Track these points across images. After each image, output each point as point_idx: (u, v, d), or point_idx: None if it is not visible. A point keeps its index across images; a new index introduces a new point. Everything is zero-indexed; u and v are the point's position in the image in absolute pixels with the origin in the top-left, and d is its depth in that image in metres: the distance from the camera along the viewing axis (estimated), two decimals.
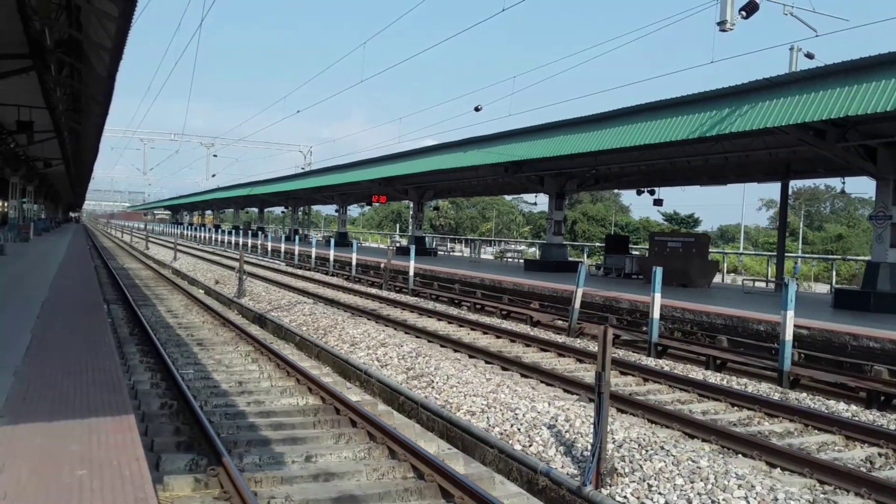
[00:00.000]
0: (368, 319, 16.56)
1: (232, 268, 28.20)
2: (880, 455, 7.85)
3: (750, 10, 14.19)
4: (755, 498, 6.05)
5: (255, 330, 15.85)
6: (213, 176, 74.07)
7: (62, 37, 13.20)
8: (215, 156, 72.15)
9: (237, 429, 8.19)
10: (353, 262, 29.99)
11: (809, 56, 18.72)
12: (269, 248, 46.91)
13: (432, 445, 8.01)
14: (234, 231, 64.23)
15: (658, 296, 13.89)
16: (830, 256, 42.35)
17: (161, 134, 71.78)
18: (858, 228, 68.00)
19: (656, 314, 13.83)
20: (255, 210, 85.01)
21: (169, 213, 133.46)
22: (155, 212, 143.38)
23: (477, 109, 25.91)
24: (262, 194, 60.61)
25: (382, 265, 26.81)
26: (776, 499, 6.02)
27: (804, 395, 10.52)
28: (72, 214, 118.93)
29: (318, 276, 30.04)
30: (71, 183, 55.77)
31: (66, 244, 36.08)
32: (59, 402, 5.98)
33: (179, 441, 7.58)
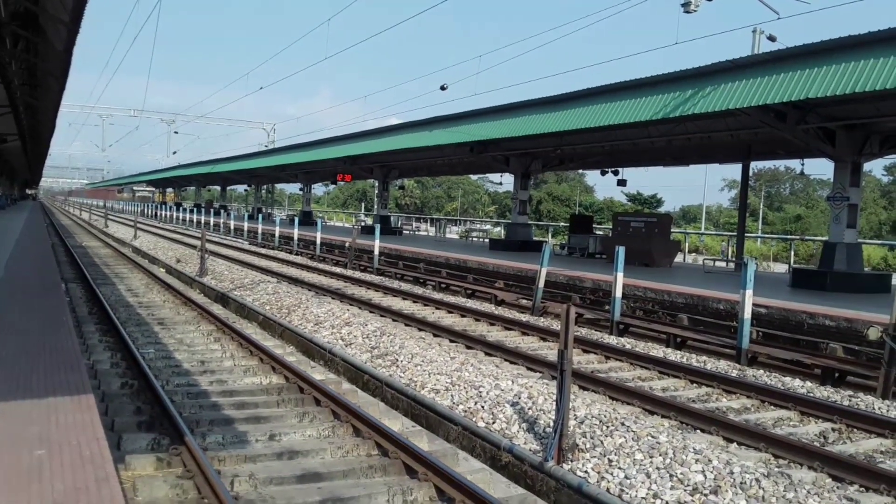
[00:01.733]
0: (333, 298, 16.51)
1: (194, 246, 27.87)
2: (833, 430, 8.06)
3: None
4: (712, 471, 6.19)
5: (217, 309, 15.72)
6: (174, 153, 72.64)
7: (17, 9, 12.85)
8: (176, 132, 70.73)
9: (200, 408, 8.14)
10: (318, 241, 29.82)
11: (772, 39, 18.96)
12: (232, 227, 46.43)
13: (396, 423, 8.04)
14: (195, 209, 63.38)
15: (620, 275, 14.04)
16: (789, 237, 43.15)
17: (120, 110, 70.25)
18: (817, 209, 69.27)
19: (618, 293, 13.99)
20: (218, 188, 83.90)
21: (153, 189, 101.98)
22: (135, 188, 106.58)
23: (443, 88, 25.77)
24: (225, 172, 59.85)
25: (347, 244, 26.69)
26: (732, 472, 6.16)
27: (761, 372, 10.75)
28: (28, 192, 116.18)
29: (281, 255, 29.83)
30: (27, 159, 54.49)
31: (23, 222, 35.32)
32: (16, 382, 5.89)
33: (141, 421, 7.52)
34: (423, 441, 7.53)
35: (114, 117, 69.65)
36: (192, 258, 24.56)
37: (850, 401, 9.14)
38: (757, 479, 6.03)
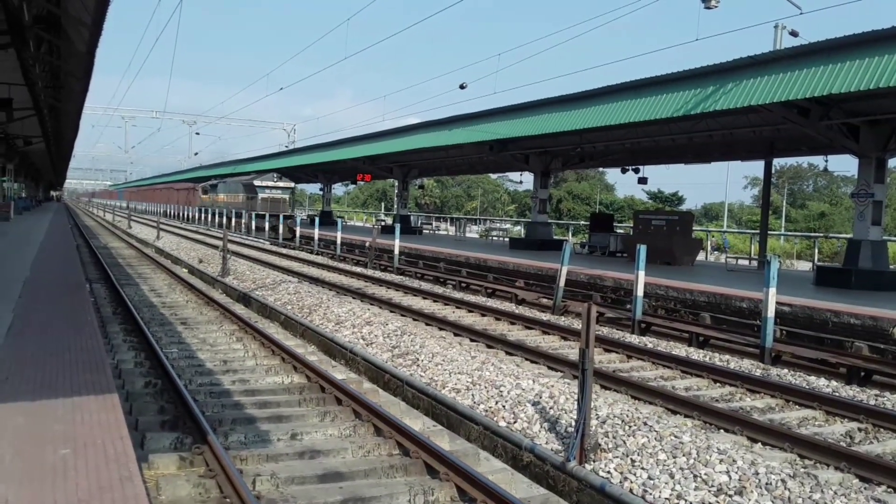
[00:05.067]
0: (353, 298, 16.55)
1: (215, 247, 28.05)
2: (860, 430, 7.96)
3: None
4: (736, 472, 6.13)
5: (239, 309, 15.81)
6: (196, 154, 72.81)
7: (40, 12, 12.99)
8: (198, 133, 71.05)
9: (222, 407, 8.18)
10: (338, 241, 29.90)
11: (794, 34, 18.74)
12: (254, 227, 46.67)
13: (417, 423, 8.04)
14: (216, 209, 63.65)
15: (642, 273, 13.95)
16: (813, 234, 42.67)
17: (142, 111, 70.89)
18: (841, 206, 68.42)
19: (640, 292, 13.90)
20: None
21: (291, 186, 47.89)
22: (258, 182, 45.96)
23: (462, 87, 25.83)
24: (246, 172, 60.15)
25: (367, 244, 26.75)
26: (757, 473, 6.09)
27: (785, 371, 10.64)
28: (53, 193, 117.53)
29: (302, 254, 29.93)
30: (52, 161, 55.18)
31: (48, 223, 35.75)
32: (41, 381, 5.95)
33: (164, 420, 7.57)
34: (444, 440, 7.52)
35: (136, 119, 70.29)
36: (214, 258, 24.71)
37: (876, 400, 9.02)
38: (783, 480, 5.97)
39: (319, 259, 27.97)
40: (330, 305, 14.89)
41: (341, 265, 25.22)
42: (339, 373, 10.29)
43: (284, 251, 31.40)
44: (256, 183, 44.13)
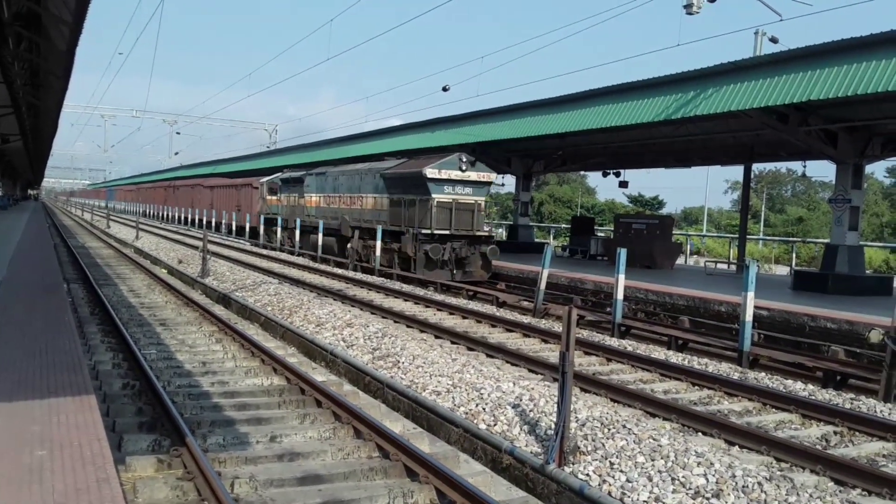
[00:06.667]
0: (334, 300, 16.50)
1: (195, 247, 27.86)
2: (835, 433, 8.04)
3: None
4: (714, 475, 6.18)
5: (219, 310, 15.71)
6: (176, 154, 72.02)
7: (20, 10, 12.88)
8: (178, 133, 70.29)
9: (201, 409, 8.14)
10: (319, 242, 29.78)
11: (774, 40, 18.95)
12: (234, 228, 46.40)
13: (398, 425, 8.04)
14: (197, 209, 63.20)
15: (622, 277, 14.02)
16: (791, 239, 43.09)
17: (122, 110, 70.04)
18: (818, 211, 69.08)
19: (620, 295, 13.98)
20: None
21: (490, 180, 22.86)
22: (437, 178, 21.28)
23: (445, 89, 25.79)
24: (227, 173, 59.88)
25: (349, 245, 26.67)
26: (734, 476, 6.14)
27: (763, 374, 10.72)
28: (30, 192, 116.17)
29: (283, 255, 29.79)
30: (29, 159, 54.59)
31: (25, 222, 35.36)
32: (18, 382, 5.89)
33: (142, 421, 7.52)
34: (425, 443, 7.52)
35: (116, 118, 69.46)
36: (194, 259, 24.54)
37: (851, 404, 9.12)
38: (759, 483, 6.02)
39: (300, 260, 27.84)
40: (311, 307, 14.84)
41: (322, 267, 25.12)
42: (320, 375, 10.26)
43: (265, 252, 31.23)
44: (429, 173, 21.57)
